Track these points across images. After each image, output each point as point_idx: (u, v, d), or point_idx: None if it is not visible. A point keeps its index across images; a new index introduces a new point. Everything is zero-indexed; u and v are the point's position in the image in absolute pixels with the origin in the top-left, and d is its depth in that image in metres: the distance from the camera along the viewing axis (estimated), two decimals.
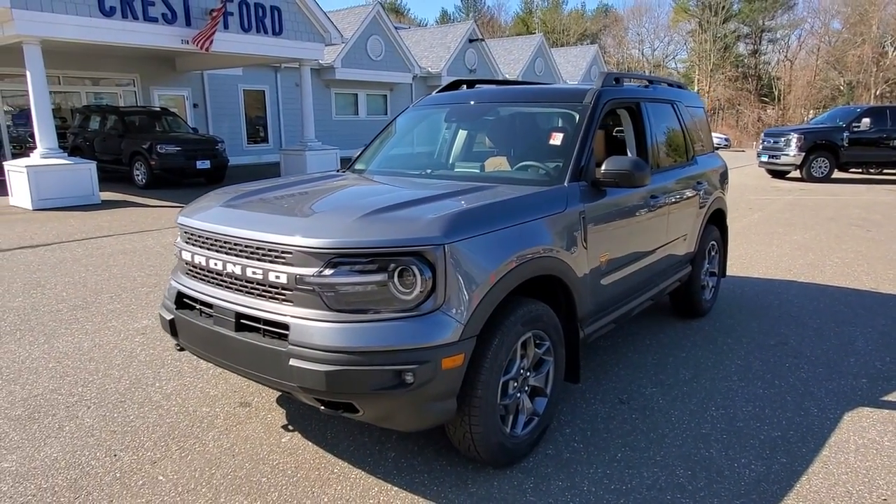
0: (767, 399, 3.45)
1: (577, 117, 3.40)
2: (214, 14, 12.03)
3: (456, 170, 3.80)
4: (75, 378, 3.67)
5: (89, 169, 11.19)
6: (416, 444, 2.93)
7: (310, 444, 2.94)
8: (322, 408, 2.39)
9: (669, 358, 4.04)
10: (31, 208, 10.37)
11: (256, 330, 2.47)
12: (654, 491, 2.59)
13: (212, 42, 12.32)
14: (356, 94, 22.48)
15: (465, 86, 4.42)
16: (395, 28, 22.54)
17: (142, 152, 13.21)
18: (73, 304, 5.13)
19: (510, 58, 28.35)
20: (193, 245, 2.76)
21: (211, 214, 2.75)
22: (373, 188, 3.34)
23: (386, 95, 23.68)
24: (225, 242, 2.58)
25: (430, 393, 2.32)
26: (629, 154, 3.89)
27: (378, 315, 2.29)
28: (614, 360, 4.00)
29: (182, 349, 2.92)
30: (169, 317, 2.83)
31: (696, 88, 49.70)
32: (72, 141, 15.30)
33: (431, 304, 2.30)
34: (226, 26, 12.66)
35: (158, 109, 15.49)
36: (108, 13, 11.15)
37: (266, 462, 2.78)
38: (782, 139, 14.84)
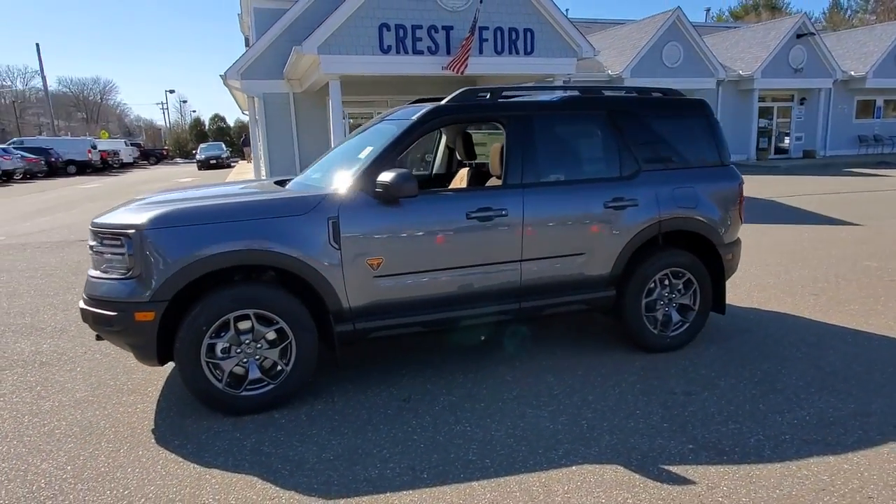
0: (537, 433, 3.22)
1: (393, 132, 3.77)
2: (464, 43, 13.77)
3: (311, 180, 4.25)
4: None
5: None
6: None
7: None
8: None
9: (529, 378, 3.90)
10: None
11: None
12: (274, 458, 3.00)
13: (466, 66, 14.10)
14: None
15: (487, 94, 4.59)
16: (698, 31, 21.03)
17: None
18: None
19: (861, 51, 23.20)
20: None
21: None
22: (211, 191, 4.11)
23: None
24: None
25: (132, 336, 3.29)
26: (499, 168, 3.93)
27: (108, 275, 3.36)
28: (474, 368, 4.07)
29: None
30: None
31: None
32: None
33: (132, 272, 3.26)
34: (480, 51, 14.31)
35: None
36: (385, 51, 13.92)
37: (142, 370, 4.09)
38: None
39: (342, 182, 3.65)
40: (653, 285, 4.21)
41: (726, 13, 53.23)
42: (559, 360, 4.19)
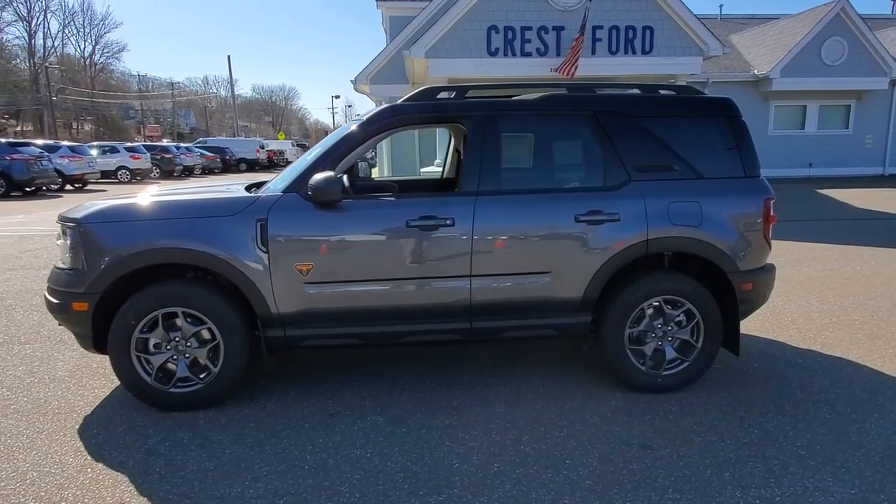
0: (435, 470, 2.87)
1: (344, 135, 3.59)
2: (573, 45, 13.14)
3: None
4: None
5: None
6: None
7: None
8: None
9: (475, 406, 3.52)
10: None
11: None
12: (160, 461, 2.96)
13: (576, 68, 13.45)
14: (804, 106, 19.24)
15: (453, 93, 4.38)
16: (869, 24, 18.16)
17: None
18: None
19: None
20: None
21: None
22: (186, 188, 4.20)
23: (849, 106, 19.35)
24: None
25: (73, 324, 3.45)
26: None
27: (61, 265, 3.54)
28: (428, 387, 3.76)
29: None
30: None
31: None
32: None
33: (72, 263, 3.41)
34: (593, 52, 13.58)
35: None
36: (493, 53, 13.72)
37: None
38: None
39: (282, 184, 3.55)
40: (641, 314, 3.61)
41: None
42: (524, 389, 3.75)
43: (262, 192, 3.52)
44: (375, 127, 3.54)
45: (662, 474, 2.82)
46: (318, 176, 3.30)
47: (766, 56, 19.03)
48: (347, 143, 3.53)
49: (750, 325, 4.93)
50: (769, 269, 3.79)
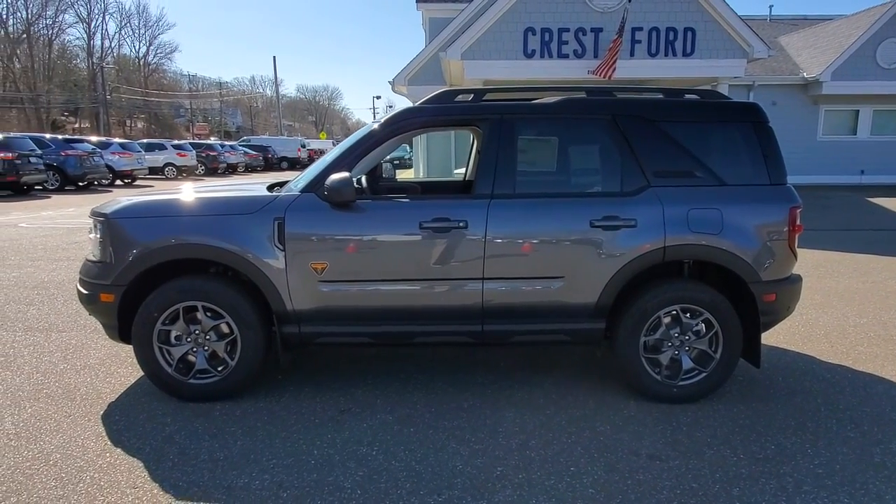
0: (438, 471, 2.88)
1: (362, 137, 3.65)
2: (611, 46, 12.96)
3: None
4: None
5: None
6: None
7: None
8: None
9: (486, 409, 3.52)
10: None
11: None
12: (174, 449, 3.05)
13: (614, 70, 13.27)
14: (856, 111, 18.51)
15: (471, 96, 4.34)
16: None
17: None
18: None
19: None
20: None
21: None
22: (216, 185, 4.33)
23: None
24: None
25: (100, 314, 3.59)
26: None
27: (92, 258, 3.69)
28: (440, 388, 3.78)
29: None
30: None
31: None
32: None
33: (101, 256, 3.55)
34: (631, 54, 13.37)
35: None
36: (529, 55, 13.66)
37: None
38: None
39: (300, 183, 3.62)
40: (657, 322, 3.55)
41: None
42: (537, 394, 3.73)
43: (281, 192, 3.60)
44: (392, 129, 3.58)
45: (668, 486, 2.77)
46: (334, 176, 3.35)
47: (816, 58, 18.40)
48: (365, 145, 3.58)
49: (778, 337, 4.79)
50: (794, 280, 3.68)
